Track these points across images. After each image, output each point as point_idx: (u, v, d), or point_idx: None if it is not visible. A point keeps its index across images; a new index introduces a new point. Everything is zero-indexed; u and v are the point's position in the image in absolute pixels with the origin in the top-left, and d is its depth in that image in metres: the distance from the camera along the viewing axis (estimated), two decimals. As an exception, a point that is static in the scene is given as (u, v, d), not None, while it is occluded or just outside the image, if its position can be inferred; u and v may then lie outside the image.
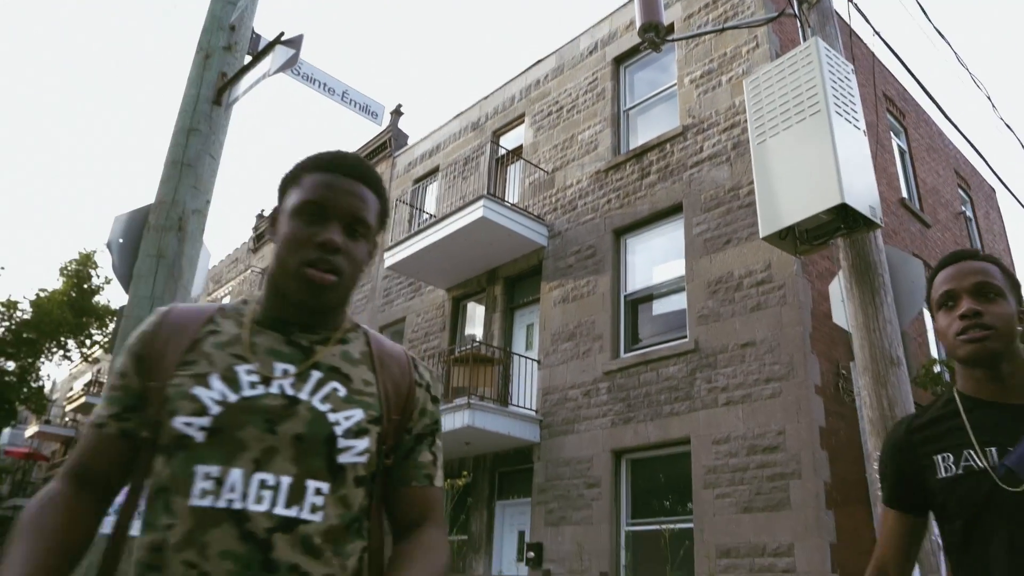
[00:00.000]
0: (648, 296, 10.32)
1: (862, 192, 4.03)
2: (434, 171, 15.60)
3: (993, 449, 1.41)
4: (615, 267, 10.70)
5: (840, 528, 7.58)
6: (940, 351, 11.71)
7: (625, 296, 10.53)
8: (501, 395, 11.28)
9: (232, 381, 1.09)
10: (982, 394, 1.50)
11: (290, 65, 4.11)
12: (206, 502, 1.02)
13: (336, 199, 1.18)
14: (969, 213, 15.28)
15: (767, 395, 8.21)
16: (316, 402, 1.11)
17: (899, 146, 12.85)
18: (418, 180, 16.01)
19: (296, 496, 1.05)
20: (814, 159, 4.09)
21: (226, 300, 22.49)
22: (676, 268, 9.92)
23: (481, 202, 11.12)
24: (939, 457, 1.48)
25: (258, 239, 22.42)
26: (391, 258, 12.76)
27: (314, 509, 1.06)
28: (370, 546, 1.14)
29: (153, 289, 3.80)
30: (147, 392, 1.12)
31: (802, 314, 8.25)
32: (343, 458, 1.10)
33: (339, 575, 1.07)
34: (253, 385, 1.10)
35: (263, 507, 1.03)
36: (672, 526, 8.58)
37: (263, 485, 1.04)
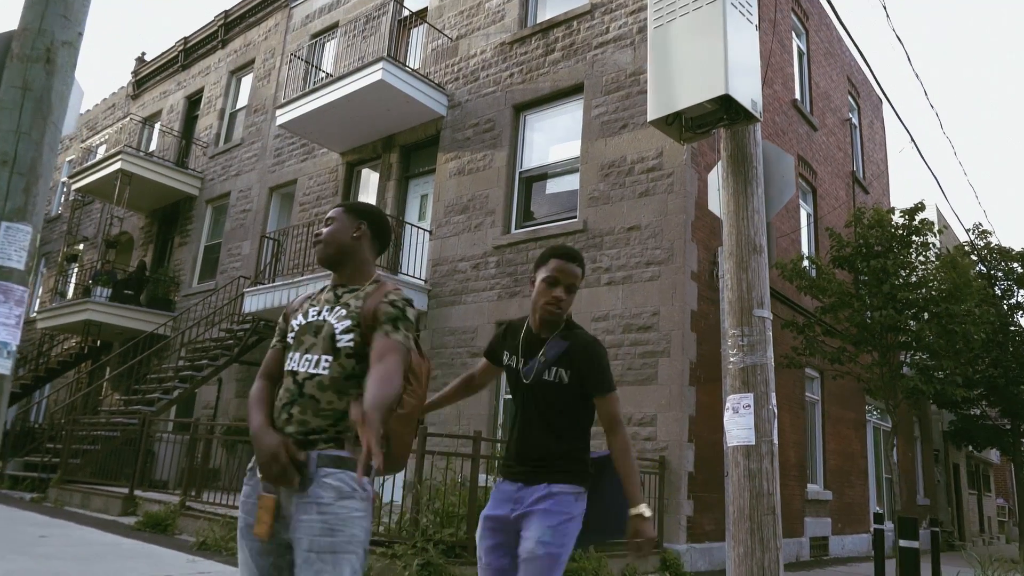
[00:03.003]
0: (543, 175, 10.45)
1: (746, 86, 4.20)
2: (333, 27, 14.81)
3: (523, 357, 2.60)
4: (512, 143, 10.71)
5: (699, 403, 8.27)
6: (810, 248, 12.56)
7: (520, 173, 10.62)
8: (391, 264, 11.34)
9: (305, 314, 2.25)
10: (533, 327, 2.62)
11: None
12: (286, 368, 2.20)
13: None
14: (855, 120, 16.02)
15: (646, 278, 8.65)
16: (332, 319, 2.18)
17: (799, 47, 13.17)
18: (315, 35, 15.18)
19: (317, 364, 2.13)
20: (705, 49, 4.20)
21: (102, 148, 21.11)
22: (572, 149, 10.04)
23: (380, 64, 10.74)
24: (505, 352, 2.69)
25: (138, 85, 20.86)
26: (283, 116, 12.25)
27: (324, 369, 2.12)
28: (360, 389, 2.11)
29: (19, 124, 3.56)
30: (284, 327, 2.32)
31: (686, 203, 8.61)
32: (339, 343, 2.14)
33: (336, 401, 2.09)
34: (312, 315, 2.23)
35: (303, 368, 2.15)
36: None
37: (305, 360, 2.15)
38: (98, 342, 16.52)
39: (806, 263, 10.87)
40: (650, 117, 4.45)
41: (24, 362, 19.55)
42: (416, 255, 11.39)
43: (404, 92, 11.11)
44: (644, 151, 9.10)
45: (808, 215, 12.77)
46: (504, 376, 2.76)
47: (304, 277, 10.89)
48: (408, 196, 12.27)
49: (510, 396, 2.42)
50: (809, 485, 11.19)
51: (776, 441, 4.01)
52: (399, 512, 6.72)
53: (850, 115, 15.53)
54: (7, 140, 3.53)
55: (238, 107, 17.15)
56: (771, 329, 4.25)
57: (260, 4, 16.91)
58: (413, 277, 11.07)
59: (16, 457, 12.58)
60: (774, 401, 4.12)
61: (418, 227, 11.49)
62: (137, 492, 9.29)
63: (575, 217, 9.63)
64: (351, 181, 13.17)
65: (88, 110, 23.50)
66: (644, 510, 2.38)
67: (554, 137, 10.46)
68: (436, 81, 11.92)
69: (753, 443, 3.95)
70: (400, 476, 8.03)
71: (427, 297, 10.82)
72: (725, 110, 4.28)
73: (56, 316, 15.97)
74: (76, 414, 12.97)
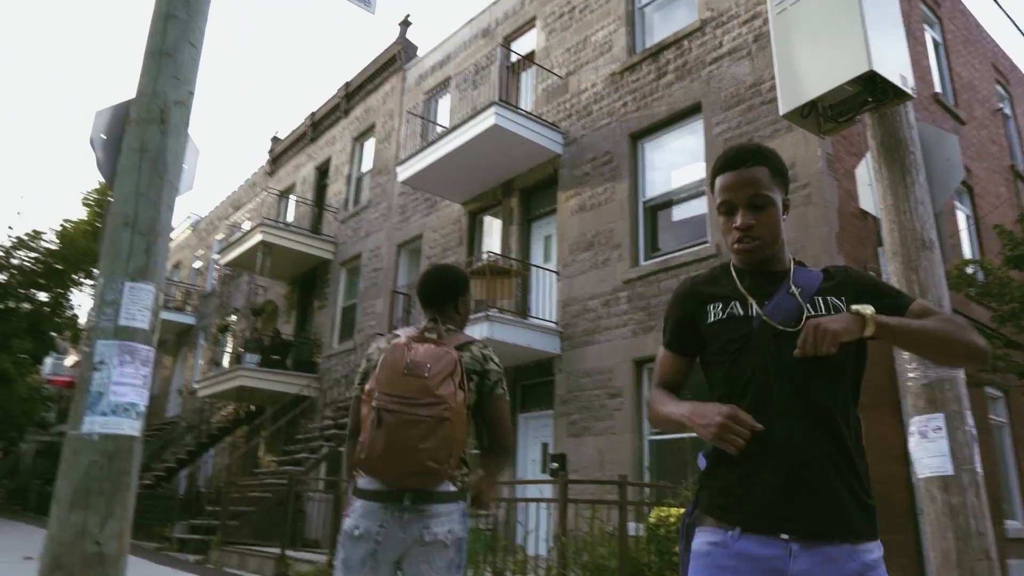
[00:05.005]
0: (667, 202, 10.00)
1: (892, 59, 3.69)
2: (445, 82, 15.13)
3: (753, 302, 1.73)
4: (632, 173, 10.35)
5: (867, 433, 7.41)
6: (974, 252, 11.34)
7: (644, 202, 10.22)
8: (520, 307, 11.15)
9: None
10: (749, 267, 1.81)
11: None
12: None
13: None
14: (1007, 110, 14.56)
15: (790, 298, 7.96)
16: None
17: (933, 38, 12.14)
18: (429, 92, 15.56)
19: None
20: (839, 24, 3.73)
21: (246, 223, 22.51)
22: (696, 171, 9.56)
23: (492, 109, 10.74)
24: (711, 306, 1.78)
25: (274, 162, 22.18)
26: (403, 172, 12.49)
27: None
28: None
29: (138, 185, 3.61)
30: None
31: (827, 213, 7.92)
32: None
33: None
34: None
35: None
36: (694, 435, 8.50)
37: None
38: (252, 407, 17.30)
39: (970, 268, 9.75)
40: (782, 111, 4.00)
41: (190, 429, 20.78)
42: (545, 298, 11.16)
43: (518, 134, 11.05)
44: (775, 163, 8.48)
45: (967, 217, 11.56)
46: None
47: (434, 328, 10.88)
48: (532, 239, 12.12)
49: (721, 356, 1.71)
50: (1008, 522, 9.83)
51: (980, 469, 3.36)
52: (545, 567, 6.33)
53: (1000, 105, 14.11)
54: (128, 202, 3.57)
55: (363, 171, 17.79)
56: (954, 335, 3.64)
57: (377, 71, 17.61)
58: (544, 320, 10.82)
59: (182, 520, 13.19)
60: (971, 421, 3.48)
61: (544, 269, 11.29)
62: (288, 552, 9.39)
63: (707, 242, 9.10)
64: (474, 229, 13.21)
65: (233, 191, 25.22)
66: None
67: (675, 162, 10.02)
68: (549, 120, 11.81)
69: (951, 473, 3.33)
70: (543, 527, 7.65)
71: (559, 339, 10.52)
72: (870, 91, 3.77)
73: (213, 384, 16.86)
74: (233, 477, 13.50)
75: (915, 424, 3.47)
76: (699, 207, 9.43)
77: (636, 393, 9.34)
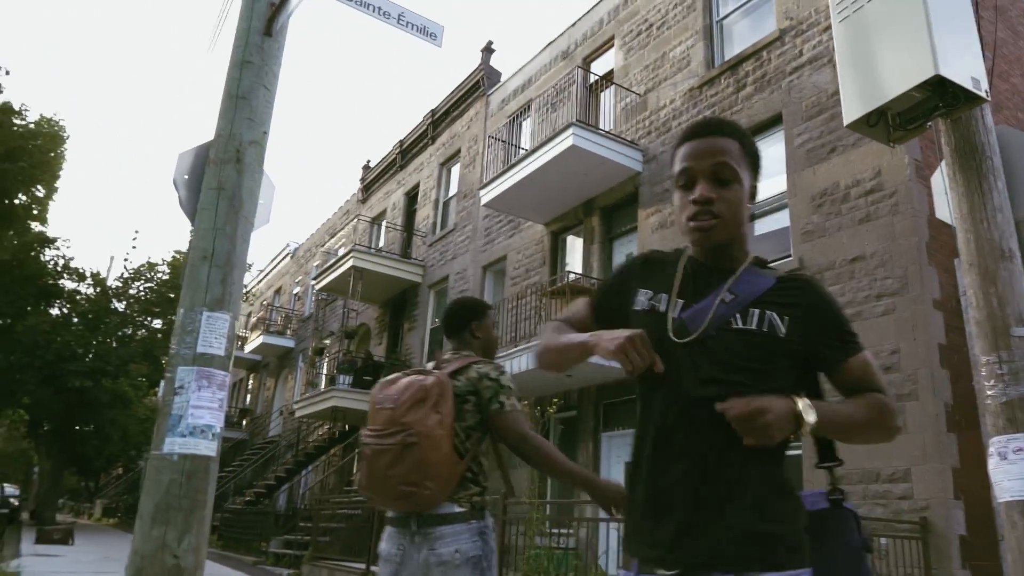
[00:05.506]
0: (749, 216, 9.77)
1: (962, 62, 3.54)
2: (527, 105, 15.32)
3: (680, 301, 1.52)
4: (713, 188, 10.18)
5: (963, 452, 7.02)
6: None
7: (725, 218, 10.03)
8: (601, 327, 11.10)
9: None
10: (701, 258, 1.58)
11: (332, -15, 4.01)
12: None
13: None
14: None
15: (879, 312, 7.64)
16: None
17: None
18: (511, 116, 15.79)
19: None
20: (904, 28, 3.61)
21: (341, 249, 23.35)
22: (777, 184, 9.31)
23: (571, 130, 10.82)
24: (643, 292, 1.58)
25: (366, 189, 22.95)
26: (486, 195, 12.71)
27: None
28: None
29: (215, 221, 3.86)
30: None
31: (917, 223, 7.56)
32: None
33: None
34: None
35: None
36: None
37: None
38: (346, 426, 17.85)
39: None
40: (846, 121, 3.89)
41: (289, 448, 21.60)
42: (625, 315, 11.07)
43: (596, 154, 11.07)
44: (859, 173, 8.19)
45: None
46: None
47: (518, 348, 10.97)
48: (614, 257, 12.08)
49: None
50: None
51: (1066, 492, 3.15)
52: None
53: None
54: (206, 238, 3.82)
55: (450, 195, 18.18)
56: (1038, 350, 3.42)
57: (461, 97, 18.01)
58: (624, 338, 10.73)
59: (277, 535, 13.72)
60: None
61: (625, 287, 11.21)
62: (372, 568, 9.63)
63: (790, 255, 8.84)
64: (556, 249, 13.27)
65: (328, 218, 26.23)
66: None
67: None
68: (628, 138, 11.78)
69: (1033, 496, 3.13)
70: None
71: (640, 357, 10.40)
72: (939, 96, 3.62)
73: (309, 405, 17.51)
74: (326, 495, 13.96)
75: (995, 445, 3.28)
76: (782, 219, 9.18)
77: (721, 412, 9.13)
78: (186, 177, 4.16)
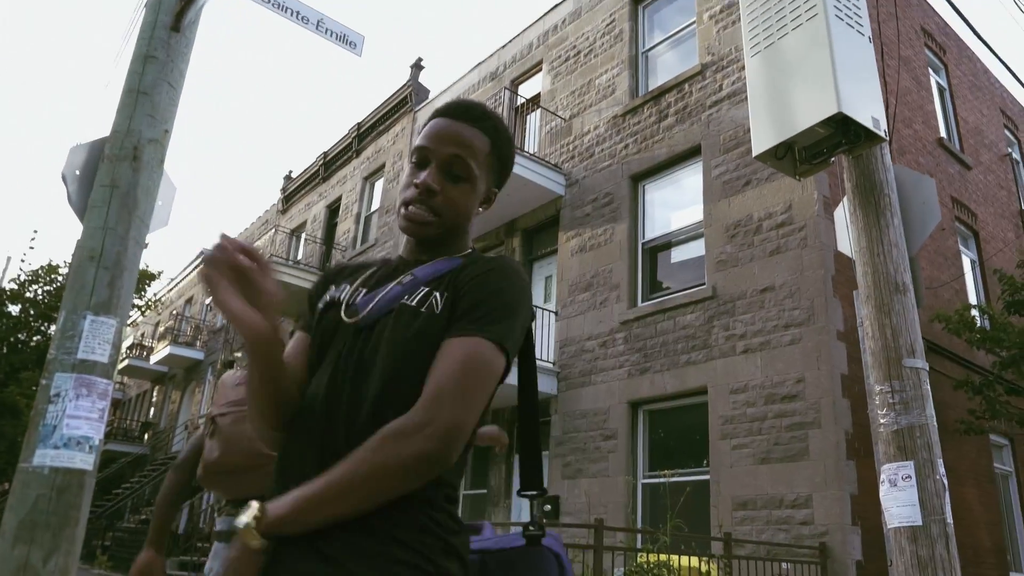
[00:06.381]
0: (666, 243, 9.97)
1: (863, 102, 3.67)
2: (454, 124, 15.28)
3: (363, 290, 1.33)
4: (632, 214, 10.35)
5: (861, 479, 7.26)
6: (979, 297, 11.18)
7: (643, 244, 10.20)
8: (519, 348, 11.07)
9: None
10: (405, 253, 1.39)
11: (246, -18, 3.86)
12: None
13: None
14: (1016, 155, 14.48)
15: (786, 342, 7.87)
16: None
17: (938, 83, 12.15)
18: (438, 134, 15.71)
19: None
20: (810, 68, 3.73)
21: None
22: (694, 213, 9.54)
23: (494, 150, 10.82)
24: (332, 287, 1.39)
25: (287, 200, 22.43)
26: (408, 212, 12.57)
27: None
28: None
29: (106, 220, 3.63)
30: None
31: (824, 256, 7.85)
32: None
33: None
34: None
35: None
36: (687, 478, 8.35)
37: None
38: (253, 444, 17.22)
39: (974, 312, 9.59)
40: (755, 151, 3.99)
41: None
42: (544, 338, 11.09)
43: (521, 176, 11.10)
44: (771, 207, 8.46)
45: (972, 262, 11.43)
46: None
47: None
48: (533, 279, 12.11)
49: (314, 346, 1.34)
50: (1013, 573, 9.52)
51: (950, 520, 3.25)
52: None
53: (1009, 150, 14.04)
54: (95, 236, 3.60)
55: (372, 210, 17.94)
56: (928, 382, 3.55)
57: (388, 112, 17.85)
58: (542, 360, 10.74)
59: (173, 556, 13.06)
60: (942, 470, 3.38)
61: (544, 309, 11.24)
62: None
63: (703, 283, 9.04)
64: (477, 269, 13.21)
65: (246, 228, 25.48)
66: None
67: (675, 204, 10.02)
68: (553, 162, 11.87)
69: (920, 523, 3.22)
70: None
71: (556, 380, 10.43)
72: (842, 133, 3.75)
73: (215, 420, 16.83)
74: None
75: (885, 472, 3.37)
76: (697, 248, 9.39)
77: (631, 435, 9.21)
78: (77, 172, 3.92)
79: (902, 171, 4.13)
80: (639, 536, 8.17)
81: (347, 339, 1.25)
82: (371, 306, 1.27)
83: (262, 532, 1.03)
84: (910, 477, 3.30)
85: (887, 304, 3.69)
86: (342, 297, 1.33)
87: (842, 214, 4.31)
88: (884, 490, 3.38)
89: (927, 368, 3.57)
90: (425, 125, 1.36)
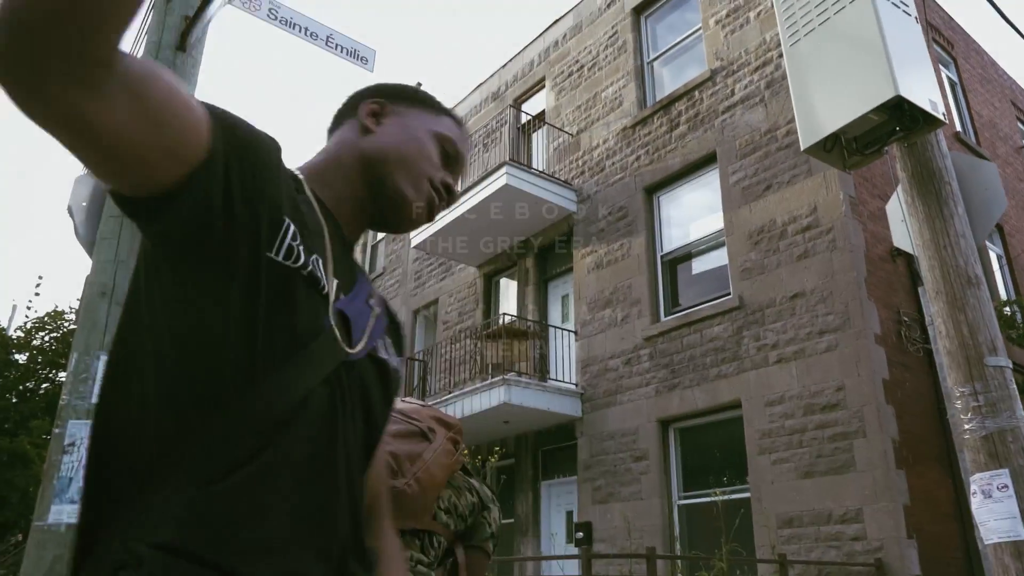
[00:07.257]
0: (686, 255, 9.71)
1: (920, 84, 3.43)
2: (458, 147, 15.12)
3: (335, 282, 1.01)
4: (649, 227, 10.11)
5: (913, 489, 6.93)
6: (1008, 292, 10.89)
7: (662, 256, 9.94)
8: (539, 370, 10.80)
9: None
10: (337, 213, 1.12)
11: (254, -4, 3.66)
12: None
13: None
14: (1030, 148, 14.24)
15: (822, 349, 7.57)
16: None
17: (949, 78, 11.96)
18: (442, 158, 15.55)
19: None
20: (859, 52, 3.50)
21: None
22: (714, 222, 9.29)
23: (504, 169, 10.62)
24: (293, 228, 1.01)
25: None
26: (417, 237, 12.35)
27: None
28: None
29: (117, 253, 3.40)
30: None
31: (855, 258, 7.58)
32: None
33: None
34: None
35: None
36: (726, 496, 8.02)
37: None
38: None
39: (1007, 309, 9.30)
40: (803, 146, 3.75)
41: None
42: (564, 359, 10.81)
43: (530, 193, 10.89)
44: (795, 210, 8.21)
45: (998, 256, 11.15)
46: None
47: (452, 394, 10.54)
48: (549, 299, 11.85)
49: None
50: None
51: (1057, 530, 2.95)
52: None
53: (1023, 142, 13.81)
54: (105, 271, 3.35)
55: (379, 238, 17.73)
56: (1014, 381, 3.27)
57: (389, 140, 17.70)
58: (564, 382, 10.45)
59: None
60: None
61: (563, 329, 10.97)
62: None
63: (729, 294, 8.76)
64: (490, 292, 12.97)
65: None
66: None
67: (693, 213, 9.77)
68: (562, 178, 11.66)
69: (1023, 537, 2.92)
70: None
71: (580, 401, 10.12)
72: (897, 119, 3.51)
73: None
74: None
75: (977, 482, 3.08)
76: (719, 258, 9.13)
77: (663, 455, 8.88)
78: (84, 204, 3.70)
79: (959, 157, 3.88)
80: (679, 562, 7.83)
81: (337, 368, 0.93)
82: (363, 342, 0.99)
83: None
84: (1007, 487, 3.01)
85: (960, 299, 3.42)
86: (322, 284, 0.94)
87: (896, 207, 4.05)
88: (977, 502, 3.08)
89: (1011, 366, 3.29)
90: (442, 117, 1.20)
